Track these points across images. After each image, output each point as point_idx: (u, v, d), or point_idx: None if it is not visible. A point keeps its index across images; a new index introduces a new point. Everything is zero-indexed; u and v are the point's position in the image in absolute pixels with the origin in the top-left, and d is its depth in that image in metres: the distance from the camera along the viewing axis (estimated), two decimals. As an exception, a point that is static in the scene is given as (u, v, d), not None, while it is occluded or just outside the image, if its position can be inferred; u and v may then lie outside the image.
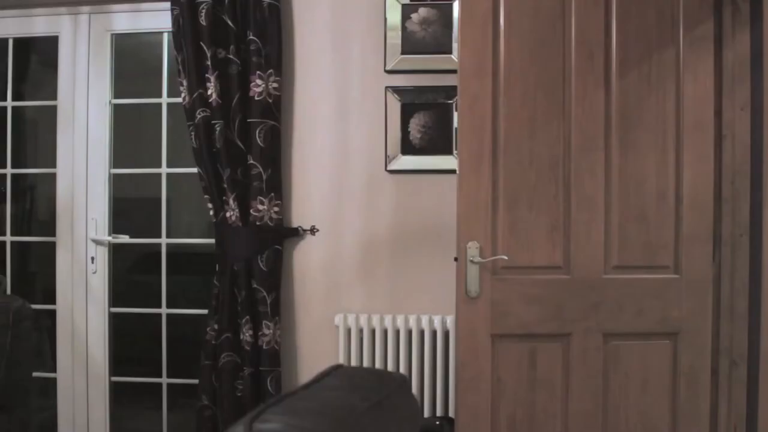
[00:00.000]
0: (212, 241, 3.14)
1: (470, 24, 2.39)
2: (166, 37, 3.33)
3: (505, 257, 2.38)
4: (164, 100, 3.35)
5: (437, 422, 2.85)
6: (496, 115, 2.41)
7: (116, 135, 3.39)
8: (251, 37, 3.02)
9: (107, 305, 3.35)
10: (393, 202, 3.13)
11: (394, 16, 3.08)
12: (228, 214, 3.07)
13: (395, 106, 3.10)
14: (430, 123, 3.08)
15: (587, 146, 2.42)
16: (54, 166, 3.38)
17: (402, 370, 3.03)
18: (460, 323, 2.40)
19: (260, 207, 3.05)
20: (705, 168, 2.45)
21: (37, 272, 3.83)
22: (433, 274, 3.07)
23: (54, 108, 3.38)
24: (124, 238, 3.36)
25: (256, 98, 3.03)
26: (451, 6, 3.05)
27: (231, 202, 3.05)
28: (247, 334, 3.04)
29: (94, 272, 3.35)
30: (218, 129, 3.02)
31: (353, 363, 3.07)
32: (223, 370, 3.06)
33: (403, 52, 3.08)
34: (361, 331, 3.07)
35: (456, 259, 2.41)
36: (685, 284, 2.45)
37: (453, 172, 2.83)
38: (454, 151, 3.02)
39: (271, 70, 3.04)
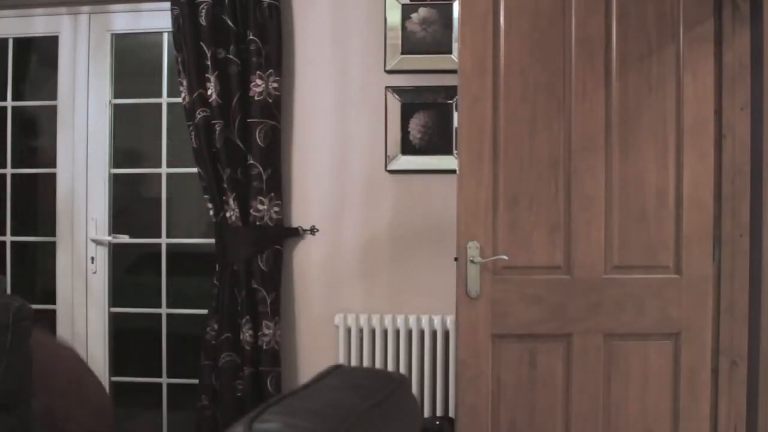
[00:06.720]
0: (212, 241, 3.14)
1: (470, 24, 2.39)
2: (166, 37, 3.33)
3: (506, 257, 2.38)
4: (164, 100, 3.35)
5: (437, 422, 2.85)
6: (496, 115, 2.41)
7: (116, 135, 3.39)
8: (251, 37, 3.02)
9: (107, 305, 3.35)
10: (393, 202, 3.13)
11: (394, 16, 3.08)
12: (228, 214, 3.07)
13: (395, 106, 3.10)
14: (430, 123, 3.08)
15: (587, 146, 2.42)
16: (54, 165, 3.38)
17: (402, 370, 3.03)
18: (461, 323, 2.40)
19: (260, 207, 3.05)
20: (705, 168, 2.45)
21: (37, 272, 3.83)
22: (433, 274, 3.07)
23: (54, 108, 3.38)
24: (124, 238, 3.36)
25: (256, 98, 3.03)
26: (451, 6, 3.05)
27: (231, 202, 3.05)
28: (247, 334, 3.04)
29: (94, 272, 3.35)
30: (218, 129, 3.02)
31: (353, 363, 3.07)
32: (223, 370, 3.06)
33: (403, 52, 3.08)
34: (361, 331, 3.07)
35: (456, 259, 2.41)
36: (685, 284, 2.45)
37: (453, 172, 2.83)
38: (454, 151, 3.02)
39: (271, 70, 3.04)
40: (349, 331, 3.08)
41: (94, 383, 2.56)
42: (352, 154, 3.15)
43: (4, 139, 3.46)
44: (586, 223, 2.43)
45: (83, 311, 3.35)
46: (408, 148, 3.10)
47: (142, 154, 3.44)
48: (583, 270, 2.43)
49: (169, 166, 3.35)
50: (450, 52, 3.05)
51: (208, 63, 3.02)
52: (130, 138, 3.55)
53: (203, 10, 3.01)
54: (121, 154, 3.44)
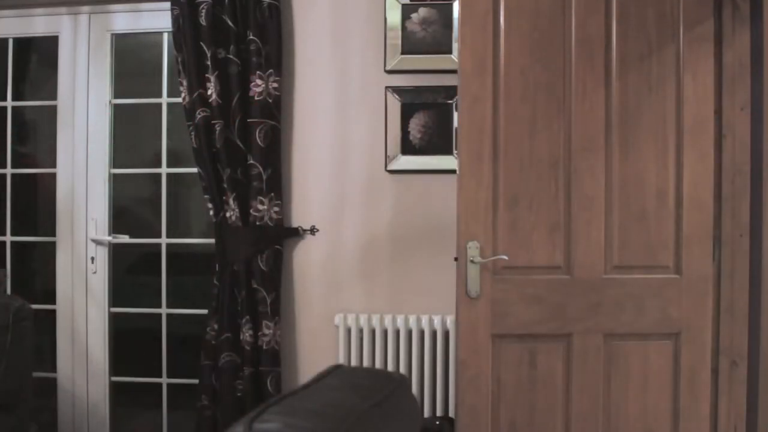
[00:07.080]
0: (212, 241, 3.14)
1: (470, 24, 2.39)
2: (166, 37, 3.33)
3: (506, 257, 2.38)
4: (164, 100, 3.35)
5: (437, 422, 2.85)
6: (496, 115, 2.41)
7: (116, 135, 3.39)
8: (251, 37, 3.02)
9: (107, 305, 3.35)
10: (393, 202, 3.13)
11: (394, 16, 3.08)
12: (228, 214, 3.07)
13: (395, 106, 3.10)
14: (430, 123, 3.08)
15: (587, 146, 2.42)
16: (54, 166, 3.38)
17: (402, 370, 3.03)
18: (461, 323, 2.40)
19: (260, 207, 3.05)
20: (705, 168, 2.45)
21: (37, 272, 3.83)
22: (433, 274, 3.07)
23: (54, 108, 3.38)
24: (124, 238, 3.36)
25: (256, 98, 3.03)
26: (451, 6, 3.05)
27: (231, 202, 3.05)
28: (247, 334, 3.04)
29: (94, 272, 3.35)
30: (218, 129, 3.02)
31: (353, 363, 3.07)
32: (223, 370, 3.06)
33: (403, 52, 3.08)
34: (361, 330, 3.07)
35: (456, 259, 2.41)
36: (685, 284, 2.45)
37: (453, 172, 2.83)
38: (454, 151, 3.02)
39: (271, 70, 3.04)
40: (349, 331, 3.08)
41: None
42: (352, 154, 3.15)
43: (4, 139, 3.46)
44: (586, 223, 2.43)
45: (83, 311, 3.35)
46: (408, 148, 3.10)
47: (142, 154, 3.43)
48: (583, 270, 2.43)
49: (169, 165, 3.36)
50: (450, 52, 3.05)
51: (208, 63, 3.02)
52: (132, 138, 3.55)
53: (203, 10, 3.01)
54: (121, 154, 3.44)
